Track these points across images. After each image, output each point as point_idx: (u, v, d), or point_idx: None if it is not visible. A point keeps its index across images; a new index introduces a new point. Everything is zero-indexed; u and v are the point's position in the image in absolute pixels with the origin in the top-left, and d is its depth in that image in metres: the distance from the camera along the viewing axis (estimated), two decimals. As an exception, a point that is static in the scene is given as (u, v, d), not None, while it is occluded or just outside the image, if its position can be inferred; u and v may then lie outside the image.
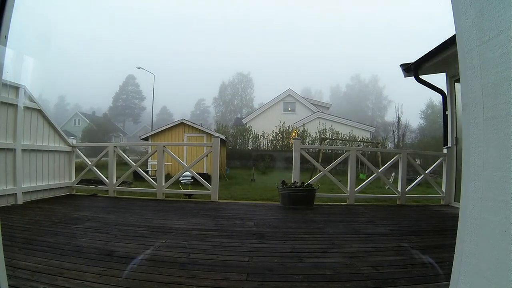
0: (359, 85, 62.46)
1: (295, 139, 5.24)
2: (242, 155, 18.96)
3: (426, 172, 5.32)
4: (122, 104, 59.24)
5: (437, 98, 32.22)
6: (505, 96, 0.67)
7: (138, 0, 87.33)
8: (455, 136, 5.15)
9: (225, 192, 7.59)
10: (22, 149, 4.14)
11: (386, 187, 7.12)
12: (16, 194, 4.06)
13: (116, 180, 5.27)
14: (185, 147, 12.93)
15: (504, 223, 0.66)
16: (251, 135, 20.99)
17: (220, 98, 57.63)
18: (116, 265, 2.03)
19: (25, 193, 4.23)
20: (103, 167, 6.00)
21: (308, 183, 4.79)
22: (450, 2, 0.84)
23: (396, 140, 25.78)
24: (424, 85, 5.36)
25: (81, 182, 5.61)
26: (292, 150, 5.11)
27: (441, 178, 5.43)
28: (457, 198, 4.95)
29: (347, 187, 5.00)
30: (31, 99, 4.40)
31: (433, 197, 5.54)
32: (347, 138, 19.07)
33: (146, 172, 9.51)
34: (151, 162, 12.59)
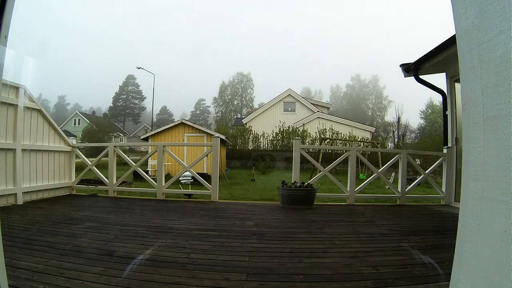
0: (359, 85, 62.46)
1: (295, 139, 5.24)
2: (242, 155, 18.96)
3: (426, 172, 5.32)
4: (122, 104, 59.28)
5: (437, 98, 32.29)
6: (505, 96, 0.67)
7: (138, 0, 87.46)
8: (455, 136, 5.15)
9: (225, 192, 7.59)
10: (22, 149, 4.13)
11: (386, 187, 7.13)
12: (16, 194, 4.06)
13: (116, 180, 5.27)
14: (185, 147, 12.93)
15: (504, 223, 0.66)
16: (251, 135, 20.99)
17: (220, 98, 57.57)
18: (116, 265, 2.03)
19: (25, 193, 4.23)
20: (103, 167, 6.00)
21: (308, 183, 4.79)
22: (450, 2, 0.84)
23: (396, 140, 25.82)
24: (424, 85, 5.36)
25: (81, 182, 5.61)
26: (292, 150, 5.11)
27: (441, 178, 5.43)
28: (457, 198, 4.95)
29: (347, 187, 4.99)
30: (31, 99, 4.40)
31: (433, 197, 5.54)
32: (347, 138, 19.07)
33: (146, 172, 9.52)
34: (151, 162, 12.60)
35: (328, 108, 28.17)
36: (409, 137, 30.80)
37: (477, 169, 0.76)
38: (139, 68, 29.21)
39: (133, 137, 45.12)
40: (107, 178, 5.19)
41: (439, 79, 5.46)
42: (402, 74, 5.55)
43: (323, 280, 1.90)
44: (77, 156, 5.40)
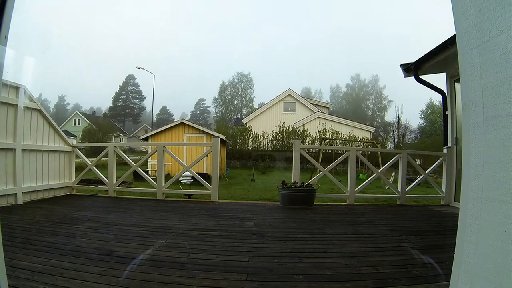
0: (359, 85, 62.43)
1: (295, 139, 5.24)
2: (242, 155, 18.96)
3: (426, 172, 5.32)
4: (122, 104, 59.28)
5: (437, 98, 32.28)
6: (505, 96, 0.67)
7: (138, 0, 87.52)
8: (455, 136, 5.15)
9: (225, 192, 7.59)
10: (22, 149, 4.13)
11: (386, 187, 7.13)
12: (16, 194, 4.06)
13: (116, 180, 5.26)
14: (185, 147, 12.94)
15: (504, 223, 0.66)
16: (251, 135, 20.99)
17: (220, 98, 57.52)
18: (116, 265, 2.03)
19: (25, 193, 4.23)
20: (103, 167, 6.00)
21: (308, 183, 4.79)
22: (450, 2, 0.84)
23: (396, 140, 25.85)
24: (424, 85, 5.36)
25: (81, 182, 5.61)
26: (292, 150, 5.11)
27: (441, 178, 5.43)
28: (457, 198, 4.95)
29: (347, 187, 4.99)
30: (31, 99, 4.40)
31: (433, 197, 5.54)
32: (347, 138, 19.07)
33: (146, 172, 9.51)
34: (151, 162, 12.60)
35: (328, 108, 28.17)
36: (409, 137, 30.83)
37: (477, 169, 0.76)
38: (139, 68, 29.22)
39: (133, 137, 45.09)
40: (107, 178, 5.19)
41: (439, 79, 5.47)
42: (402, 74, 5.55)
43: (323, 280, 1.90)
44: (77, 156, 5.40)
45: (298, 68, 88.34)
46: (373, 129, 24.51)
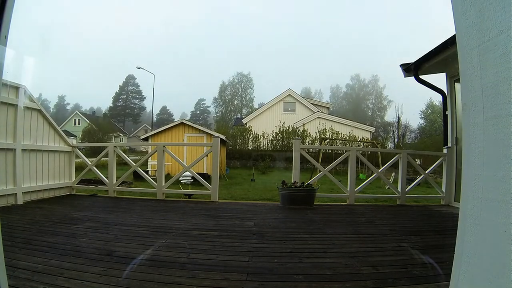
0: (359, 85, 62.42)
1: (295, 139, 5.24)
2: (242, 155, 18.96)
3: (426, 172, 5.32)
4: (122, 104, 59.29)
5: (437, 98, 32.28)
6: (505, 96, 0.67)
7: (138, 1, 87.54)
8: (455, 136, 5.15)
9: (225, 192, 7.59)
10: (22, 149, 4.13)
11: (386, 187, 7.13)
12: (16, 194, 4.06)
13: (116, 180, 5.26)
14: (185, 147, 12.94)
15: (504, 223, 0.66)
16: (251, 135, 20.99)
17: (220, 98, 57.48)
18: (116, 265, 2.03)
19: (25, 193, 4.23)
20: (103, 167, 6.00)
21: (308, 183, 4.79)
22: (450, 2, 0.84)
23: (396, 140, 25.87)
24: (424, 85, 5.36)
25: (81, 182, 5.61)
26: (292, 150, 5.11)
27: (441, 178, 5.43)
28: (457, 198, 4.95)
29: (347, 187, 4.99)
30: (31, 99, 4.40)
31: (433, 197, 5.54)
32: (347, 138, 19.07)
33: (146, 172, 9.52)
34: (151, 162, 12.60)
35: (328, 108, 28.17)
36: (409, 137, 30.85)
37: (477, 169, 0.76)
38: (139, 68, 29.18)
39: (133, 137, 45.09)
40: (107, 178, 5.19)
41: (439, 79, 5.47)
42: (402, 74, 5.55)
43: (323, 280, 1.90)
44: (77, 156, 5.40)
45: (298, 68, 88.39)
46: (373, 129, 24.52)
